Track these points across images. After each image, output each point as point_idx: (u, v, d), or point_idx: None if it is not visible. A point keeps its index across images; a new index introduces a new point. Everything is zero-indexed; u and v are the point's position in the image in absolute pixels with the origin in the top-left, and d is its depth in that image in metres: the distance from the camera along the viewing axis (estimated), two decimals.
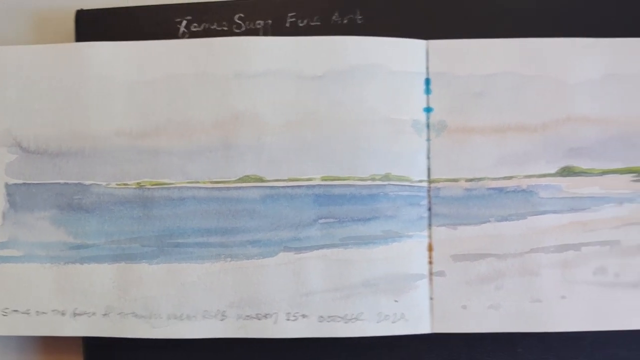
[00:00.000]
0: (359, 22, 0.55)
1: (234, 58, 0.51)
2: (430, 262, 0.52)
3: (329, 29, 0.55)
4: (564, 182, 0.52)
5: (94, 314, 0.51)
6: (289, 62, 0.51)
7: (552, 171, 0.52)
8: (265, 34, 0.55)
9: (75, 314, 0.52)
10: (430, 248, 0.52)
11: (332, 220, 0.51)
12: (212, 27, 0.56)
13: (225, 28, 0.56)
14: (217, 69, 0.51)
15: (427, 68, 0.52)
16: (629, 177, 0.52)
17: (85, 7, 0.56)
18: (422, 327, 0.51)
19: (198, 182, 0.51)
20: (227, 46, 0.51)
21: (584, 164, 0.52)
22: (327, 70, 0.51)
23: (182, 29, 0.56)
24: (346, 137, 0.51)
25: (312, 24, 0.55)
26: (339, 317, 0.51)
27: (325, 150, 0.50)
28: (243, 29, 0.56)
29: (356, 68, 0.51)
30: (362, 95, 0.51)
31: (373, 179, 0.51)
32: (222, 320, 0.51)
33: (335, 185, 0.51)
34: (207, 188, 0.51)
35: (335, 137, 0.51)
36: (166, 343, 0.52)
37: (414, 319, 0.51)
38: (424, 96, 0.52)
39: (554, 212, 0.52)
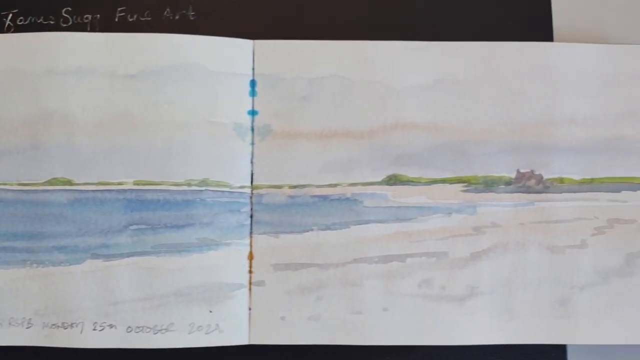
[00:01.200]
0: (192, 18, 0.53)
1: (44, 54, 0.48)
2: (251, 272, 0.49)
3: (160, 25, 0.52)
4: (390, 190, 0.50)
5: None
6: (102, 59, 0.48)
7: (378, 179, 0.50)
8: (93, 29, 0.52)
9: None
10: (250, 257, 0.50)
11: (144, 226, 0.48)
12: (38, 21, 0.53)
13: (52, 22, 0.53)
14: (27, 65, 0.48)
15: (253, 69, 0.50)
16: (458, 187, 0.50)
17: None
18: (239, 338, 0.49)
19: (5, 184, 0.48)
20: (37, 42, 0.48)
21: (411, 173, 0.50)
22: (140, 69, 0.48)
23: (7, 22, 0.53)
24: (161, 140, 0.48)
25: (142, 19, 0.53)
26: (148, 327, 0.48)
27: (138, 153, 0.48)
28: (70, 23, 0.53)
29: (171, 67, 0.48)
30: (177, 96, 0.48)
31: (189, 184, 0.49)
32: (27, 328, 0.48)
33: (148, 190, 0.48)
34: (14, 190, 0.48)
35: (149, 140, 0.48)
36: None
37: (230, 329, 0.49)
38: (249, 98, 0.50)
39: (379, 221, 0.50)
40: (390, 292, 0.50)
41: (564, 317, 0.50)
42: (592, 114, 0.50)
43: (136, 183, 0.48)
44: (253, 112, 0.50)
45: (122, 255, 0.48)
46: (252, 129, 0.50)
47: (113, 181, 0.48)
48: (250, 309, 0.49)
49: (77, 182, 0.48)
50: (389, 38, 0.50)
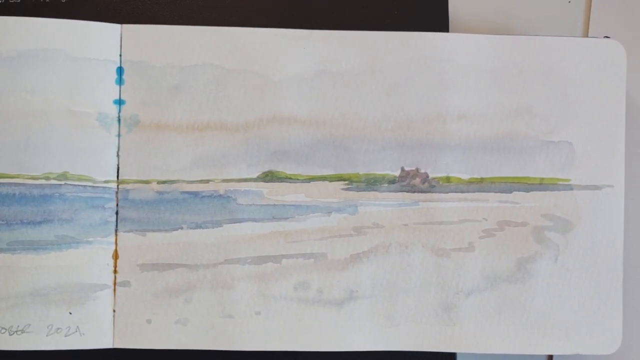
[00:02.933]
0: (64, 0, 0.50)
1: None
2: (115, 272, 0.47)
3: (29, 7, 0.49)
4: (266, 187, 0.47)
5: None
6: None
7: (254, 176, 0.47)
8: None
9: None
10: (115, 256, 0.47)
11: None
12: None
13: None
14: None
15: (121, 55, 0.47)
16: (339, 184, 0.48)
17: None
18: (103, 341, 0.46)
19: None
20: None
21: (289, 169, 0.47)
22: None
23: None
24: (16, 131, 0.45)
25: (11, 1, 0.50)
26: (3, 328, 0.45)
27: None
28: None
29: (27, 53, 0.45)
30: (36, 83, 0.45)
31: (47, 178, 0.46)
32: None
33: (2, 183, 0.45)
34: None
35: (4, 130, 0.45)
36: None
37: (92, 332, 0.46)
38: (116, 87, 0.47)
39: (254, 220, 0.47)
40: (264, 295, 0.47)
41: (448, 323, 0.47)
42: (483, 109, 0.47)
43: None
44: (120, 102, 0.46)
45: None
46: (119, 120, 0.46)
47: None
48: (114, 310, 0.46)
49: None
50: (268, 25, 0.47)
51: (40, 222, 0.46)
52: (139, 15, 0.49)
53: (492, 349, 0.48)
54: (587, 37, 0.53)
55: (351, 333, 0.47)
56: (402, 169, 0.48)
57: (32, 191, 0.46)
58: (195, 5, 0.49)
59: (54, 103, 0.46)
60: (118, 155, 0.47)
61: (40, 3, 0.49)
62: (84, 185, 0.46)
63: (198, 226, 0.47)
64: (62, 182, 0.46)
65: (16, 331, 0.46)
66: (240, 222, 0.47)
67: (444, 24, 0.50)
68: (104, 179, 0.46)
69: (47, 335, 0.46)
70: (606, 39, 0.48)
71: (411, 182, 0.48)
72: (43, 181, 0.46)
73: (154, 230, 0.47)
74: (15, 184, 0.45)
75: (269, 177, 0.47)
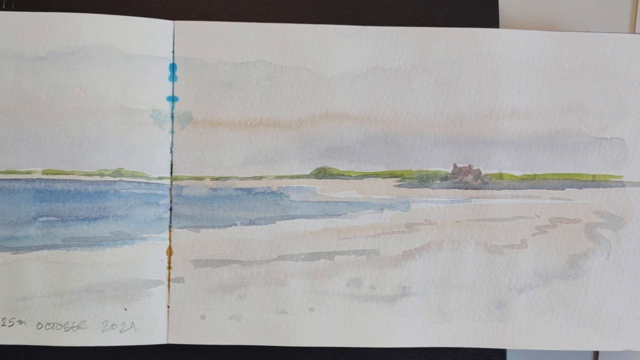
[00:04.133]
0: None
1: None
2: (169, 268, 0.47)
3: (80, 3, 0.49)
4: (319, 184, 0.47)
5: None
6: (9, 40, 0.45)
7: (306, 172, 0.47)
8: (9, 6, 0.49)
9: None
10: (169, 252, 0.47)
11: (54, 218, 0.45)
12: None
13: None
14: None
15: (173, 52, 0.47)
16: (391, 181, 0.48)
17: None
18: (157, 337, 0.46)
19: None
20: None
21: (341, 166, 0.47)
22: (50, 50, 0.45)
23: None
24: (71, 127, 0.45)
25: None
26: (59, 324, 0.46)
27: (48, 140, 0.45)
28: None
29: (80, 49, 0.45)
30: (89, 80, 0.45)
31: (102, 175, 0.46)
32: None
33: (58, 179, 0.45)
34: None
35: (59, 127, 0.45)
36: None
37: (147, 328, 0.46)
38: (169, 83, 0.47)
39: (306, 217, 0.47)
40: (317, 291, 0.47)
41: (500, 320, 0.47)
42: (535, 106, 0.47)
43: (45, 172, 0.45)
44: (173, 99, 0.47)
45: (31, 249, 0.45)
46: (172, 116, 0.47)
47: (21, 170, 0.45)
48: (168, 307, 0.47)
49: None
50: (318, 21, 0.47)
51: (95, 219, 0.46)
52: (190, 12, 0.49)
53: (543, 345, 0.48)
54: (635, 32, 0.53)
55: (403, 329, 0.47)
56: (455, 166, 0.48)
57: (87, 188, 0.46)
58: (246, 1, 0.49)
59: (107, 100, 0.46)
60: (171, 152, 0.47)
61: None
62: (138, 182, 0.46)
63: (251, 223, 0.47)
64: (117, 179, 0.46)
65: (72, 327, 0.46)
66: (293, 218, 0.47)
67: (494, 20, 0.50)
68: (157, 176, 0.47)
69: (102, 332, 0.46)
70: None
71: (463, 178, 0.48)
72: (98, 178, 0.46)
73: (207, 227, 0.47)
74: (70, 181, 0.46)
75: (322, 173, 0.47)
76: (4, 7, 0.49)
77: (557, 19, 0.52)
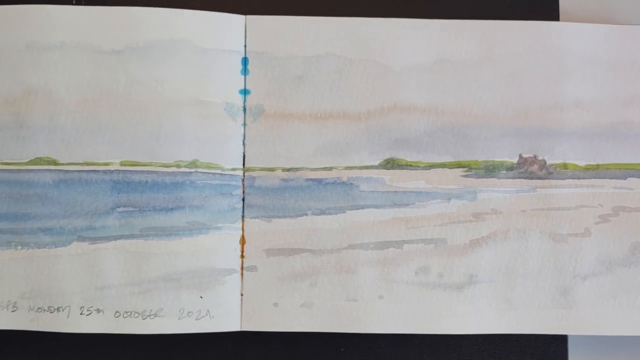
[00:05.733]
0: None
1: (25, 28, 0.46)
2: (242, 256, 0.48)
3: None
4: (388, 174, 0.48)
5: None
6: (86, 34, 0.46)
7: (375, 163, 0.48)
8: (79, 1, 0.50)
9: None
10: (242, 241, 0.48)
11: (131, 209, 0.47)
12: None
13: None
14: (8, 39, 0.46)
15: (245, 46, 0.48)
16: (458, 171, 0.49)
17: None
18: (231, 324, 0.48)
19: None
20: (18, 15, 0.46)
21: (409, 157, 0.48)
22: (126, 44, 0.46)
23: None
24: (148, 119, 0.47)
25: None
26: (136, 312, 0.47)
27: (125, 132, 0.46)
28: None
29: (158, 43, 0.46)
30: (165, 73, 0.47)
31: (178, 166, 0.47)
32: (13, 311, 0.47)
33: (135, 171, 0.47)
34: None
35: (136, 119, 0.46)
36: None
37: (221, 316, 0.47)
38: (241, 77, 0.48)
39: (376, 206, 0.48)
40: (386, 279, 0.48)
41: (565, 307, 0.49)
42: (598, 97, 0.48)
43: (123, 164, 0.47)
44: (245, 92, 0.48)
45: (109, 238, 0.46)
46: (244, 109, 0.48)
47: (99, 161, 0.46)
48: (242, 294, 0.48)
49: (61, 162, 0.47)
50: (388, 15, 0.48)
51: (172, 209, 0.47)
52: (260, 6, 0.50)
53: (606, 331, 0.49)
54: None
55: (470, 317, 0.48)
56: (520, 156, 0.49)
57: (164, 179, 0.47)
58: None
59: (183, 93, 0.47)
60: (244, 144, 0.48)
61: None
62: (213, 173, 0.47)
63: (322, 212, 0.48)
64: (193, 170, 0.47)
65: (149, 315, 0.47)
66: (362, 208, 0.48)
67: (555, 13, 0.51)
68: (231, 167, 0.48)
69: (179, 319, 0.47)
70: None
71: (529, 169, 0.49)
72: (174, 169, 0.47)
73: (279, 217, 0.48)
74: (148, 172, 0.47)
75: (390, 164, 0.48)
76: (74, 2, 0.50)
77: (614, 13, 0.53)
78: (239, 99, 0.48)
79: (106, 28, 0.46)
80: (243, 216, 0.48)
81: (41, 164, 0.47)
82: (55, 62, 0.46)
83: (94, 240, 0.47)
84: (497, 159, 0.48)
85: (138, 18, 0.46)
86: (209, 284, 0.47)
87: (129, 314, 0.47)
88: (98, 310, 0.47)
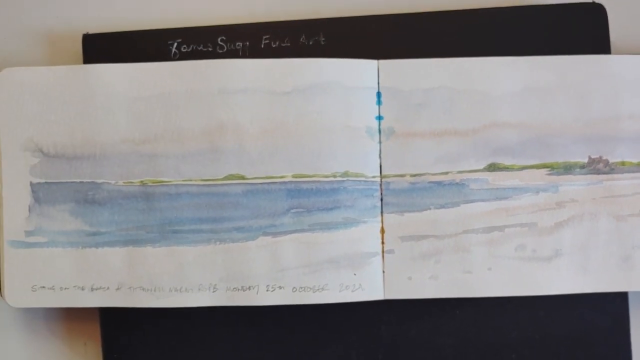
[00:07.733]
0: (322, 43, 0.66)
1: (217, 77, 0.62)
2: (383, 242, 0.63)
3: (297, 49, 0.65)
4: (490, 176, 0.63)
5: (108, 288, 0.62)
6: (263, 80, 0.62)
7: (481, 167, 0.63)
8: (244, 54, 0.65)
9: (92, 289, 0.63)
10: (382, 231, 0.63)
11: (301, 210, 0.62)
12: (198, 48, 0.66)
13: (210, 49, 0.66)
14: (203, 86, 0.62)
15: (378, 83, 0.63)
16: (544, 171, 0.64)
17: (91, 32, 0.66)
18: (377, 294, 0.63)
19: (191, 180, 0.62)
20: (211, 67, 0.62)
21: (506, 161, 0.63)
22: (294, 87, 0.62)
23: (173, 50, 0.66)
24: (311, 142, 0.62)
25: (283, 45, 0.66)
26: (308, 287, 0.62)
27: (295, 152, 0.62)
28: (225, 49, 0.66)
29: (317, 85, 0.62)
30: (323, 107, 0.62)
31: (334, 176, 0.62)
32: (214, 292, 0.62)
33: (303, 181, 0.62)
34: (198, 185, 0.62)
35: (303, 142, 0.62)
36: (166, 312, 0.63)
37: (370, 288, 0.63)
38: (376, 107, 0.63)
39: (482, 200, 0.63)
40: (493, 255, 0.63)
41: (626, 270, 0.63)
42: None
43: (294, 176, 0.62)
44: (380, 118, 0.63)
45: (285, 233, 0.62)
46: (380, 131, 0.63)
47: (277, 175, 0.62)
48: (384, 271, 0.63)
49: (248, 177, 0.62)
50: (485, 54, 0.64)
51: (331, 209, 0.62)
52: (389, 53, 0.64)
53: None
54: None
55: (557, 281, 0.63)
56: (589, 157, 0.63)
57: (325, 186, 0.62)
58: (429, 39, 0.65)
59: (336, 121, 0.62)
60: (380, 157, 0.63)
61: (305, 46, 0.65)
62: (359, 180, 0.62)
63: (442, 207, 0.63)
64: (345, 179, 0.62)
65: (318, 289, 0.62)
66: (472, 202, 0.63)
67: (606, 48, 0.66)
68: (372, 175, 0.63)
69: (339, 292, 0.62)
70: None
71: (596, 166, 0.63)
72: (332, 178, 0.62)
73: (409, 211, 0.63)
74: (313, 182, 0.62)
75: (492, 167, 0.63)
76: (240, 55, 0.65)
77: None
78: (375, 124, 0.63)
79: (277, 75, 0.62)
80: (382, 212, 0.63)
81: (233, 179, 0.62)
82: (240, 102, 0.62)
83: (275, 234, 0.62)
84: (572, 160, 0.63)
85: (301, 67, 0.62)
86: (360, 264, 0.62)
87: (302, 289, 0.62)
88: (280, 287, 0.62)
